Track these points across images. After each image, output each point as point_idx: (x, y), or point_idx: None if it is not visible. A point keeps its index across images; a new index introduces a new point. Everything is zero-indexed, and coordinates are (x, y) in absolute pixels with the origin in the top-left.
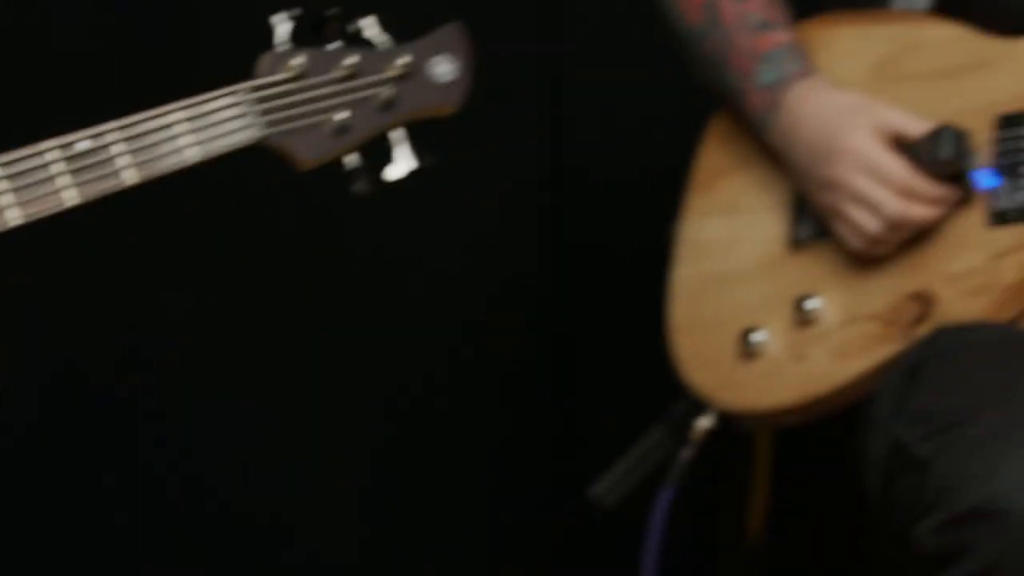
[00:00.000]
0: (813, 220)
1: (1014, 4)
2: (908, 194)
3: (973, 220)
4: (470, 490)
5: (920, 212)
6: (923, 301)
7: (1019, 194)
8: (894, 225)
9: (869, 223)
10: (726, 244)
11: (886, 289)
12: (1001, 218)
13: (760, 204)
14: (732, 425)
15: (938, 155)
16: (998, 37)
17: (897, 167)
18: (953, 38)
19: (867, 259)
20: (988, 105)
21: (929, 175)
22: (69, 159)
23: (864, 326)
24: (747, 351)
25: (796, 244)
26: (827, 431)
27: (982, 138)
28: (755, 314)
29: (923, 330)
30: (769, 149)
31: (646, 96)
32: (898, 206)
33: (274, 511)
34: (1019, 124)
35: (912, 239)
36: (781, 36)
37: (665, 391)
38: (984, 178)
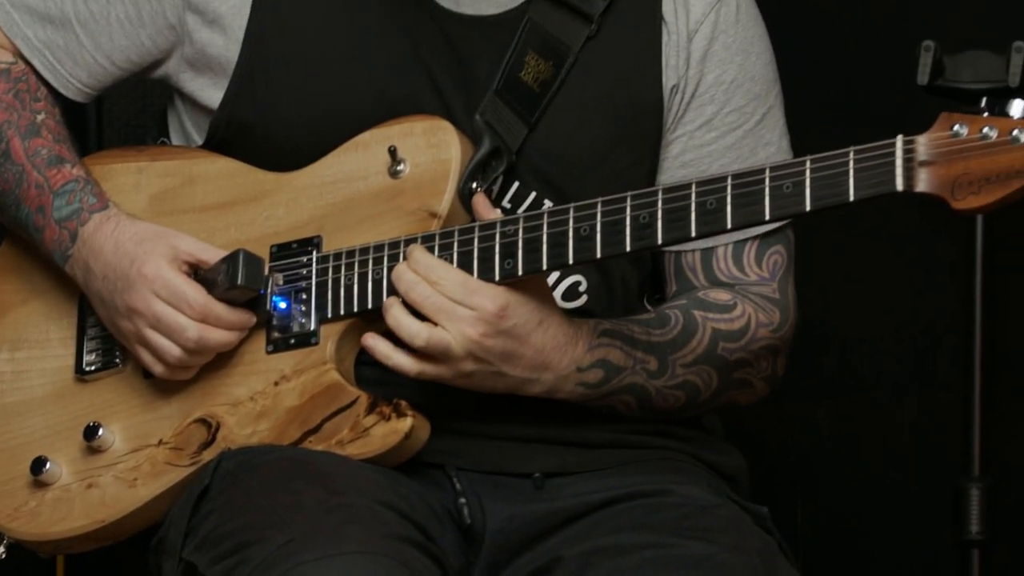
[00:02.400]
0: (101, 351)
1: (283, 141)
2: (206, 319)
3: (257, 346)
4: None
5: (218, 337)
6: (209, 426)
7: (298, 320)
8: (194, 350)
9: (170, 348)
10: (13, 377)
11: (174, 415)
12: (282, 344)
13: (48, 336)
14: (29, 552)
15: (234, 280)
16: (270, 171)
17: (194, 292)
18: (227, 172)
19: (162, 386)
20: (263, 236)
21: (225, 300)
22: None
23: (152, 452)
24: (38, 480)
25: (83, 375)
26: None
27: (266, 267)
28: (45, 444)
29: (209, 455)
30: (71, 281)
31: None
32: (197, 331)
33: None
34: (293, 253)
35: (207, 365)
36: (73, 171)
37: None
38: (273, 304)
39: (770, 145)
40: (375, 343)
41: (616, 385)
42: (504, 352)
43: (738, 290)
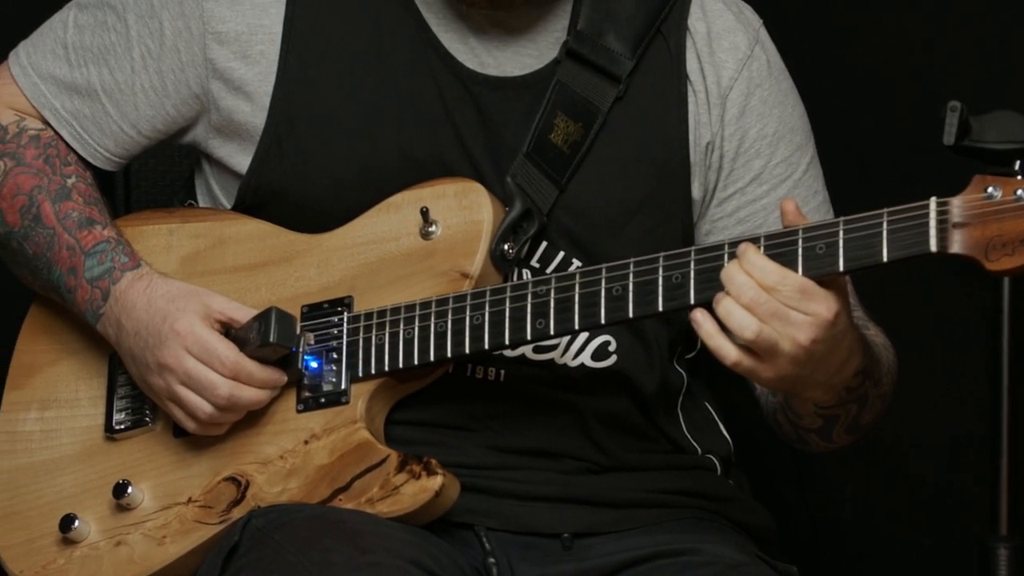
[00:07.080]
0: (131, 410)
1: (312, 204)
2: (237, 376)
3: (288, 405)
4: None
5: (249, 395)
6: (238, 484)
7: (329, 380)
8: (225, 407)
9: (202, 405)
10: (43, 436)
11: (203, 474)
12: (313, 403)
13: (78, 396)
14: None
15: (266, 338)
16: (300, 233)
17: (226, 349)
18: (258, 233)
19: (191, 444)
20: (295, 296)
21: (257, 358)
22: None
23: (182, 510)
24: (66, 538)
25: (113, 433)
26: None
27: (298, 326)
28: (74, 502)
29: (239, 513)
30: (100, 340)
31: None
32: (228, 388)
33: None
34: (324, 313)
35: (237, 423)
36: (104, 232)
37: None
38: (304, 364)
39: (818, 194)
40: (704, 319)
41: (857, 393)
42: (822, 356)
43: None
